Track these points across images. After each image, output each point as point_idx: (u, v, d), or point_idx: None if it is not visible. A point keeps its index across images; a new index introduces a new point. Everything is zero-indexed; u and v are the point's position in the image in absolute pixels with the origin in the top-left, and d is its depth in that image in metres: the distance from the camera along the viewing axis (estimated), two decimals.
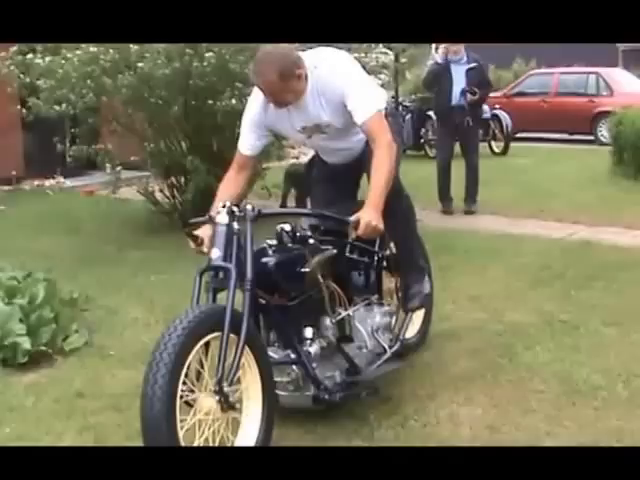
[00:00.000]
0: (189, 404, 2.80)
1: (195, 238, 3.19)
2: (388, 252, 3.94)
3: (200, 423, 2.79)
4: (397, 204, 3.56)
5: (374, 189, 3.24)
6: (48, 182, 10.76)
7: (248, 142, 3.55)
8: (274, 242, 3.24)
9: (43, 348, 4.21)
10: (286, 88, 3.23)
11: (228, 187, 3.48)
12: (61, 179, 10.89)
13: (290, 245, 3.27)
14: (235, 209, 3.03)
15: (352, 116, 3.32)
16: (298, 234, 3.33)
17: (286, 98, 3.29)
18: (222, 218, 3.00)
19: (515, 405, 3.55)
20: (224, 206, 3.04)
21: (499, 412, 3.49)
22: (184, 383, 2.73)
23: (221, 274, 2.96)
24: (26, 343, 4.13)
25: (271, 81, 3.19)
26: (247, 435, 2.95)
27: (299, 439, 3.25)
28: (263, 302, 3.16)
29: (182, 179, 7.66)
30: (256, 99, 3.46)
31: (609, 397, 3.60)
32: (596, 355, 4.09)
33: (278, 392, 3.17)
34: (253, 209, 3.03)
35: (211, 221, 3.08)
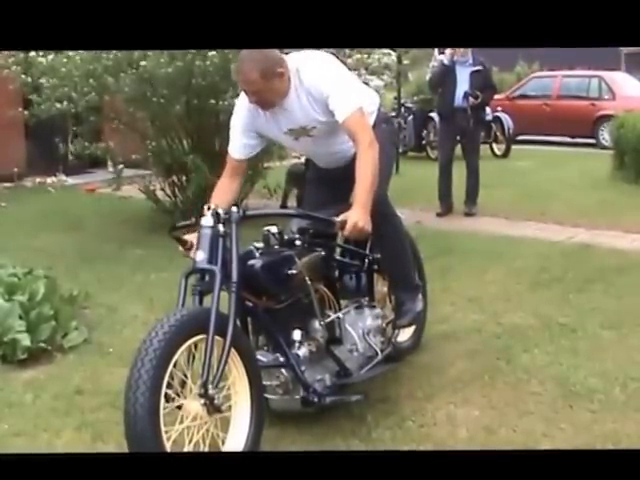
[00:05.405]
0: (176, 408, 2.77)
1: (184, 243, 3.20)
2: (379, 255, 3.87)
3: (189, 428, 2.77)
4: (384, 226, 3.52)
5: (360, 190, 3.21)
6: (50, 179, 10.76)
7: (238, 145, 3.52)
8: (261, 245, 3.22)
9: (42, 345, 4.22)
10: (268, 87, 3.22)
11: (221, 194, 3.45)
12: (63, 177, 10.90)
13: (277, 247, 3.24)
14: (220, 211, 3.01)
15: (334, 116, 3.28)
16: (286, 236, 3.31)
17: (269, 98, 3.27)
18: (206, 221, 2.99)
19: (512, 407, 3.56)
20: (209, 208, 3.03)
21: (496, 414, 3.50)
22: (169, 387, 2.71)
23: (207, 277, 2.95)
24: (25, 340, 4.14)
25: (253, 80, 3.18)
26: (237, 435, 2.94)
27: (296, 439, 3.25)
28: (251, 305, 3.14)
29: (183, 178, 7.66)
30: (243, 102, 3.44)
31: (606, 400, 3.60)
32: (594, 358, 4.10)
33: (267, 396, 3.16)
34: (238, 210, 3.02)
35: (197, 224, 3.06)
